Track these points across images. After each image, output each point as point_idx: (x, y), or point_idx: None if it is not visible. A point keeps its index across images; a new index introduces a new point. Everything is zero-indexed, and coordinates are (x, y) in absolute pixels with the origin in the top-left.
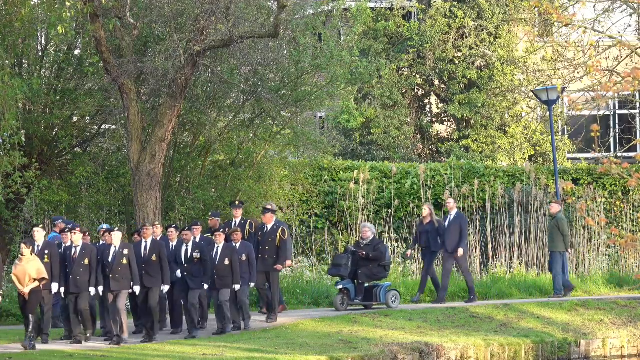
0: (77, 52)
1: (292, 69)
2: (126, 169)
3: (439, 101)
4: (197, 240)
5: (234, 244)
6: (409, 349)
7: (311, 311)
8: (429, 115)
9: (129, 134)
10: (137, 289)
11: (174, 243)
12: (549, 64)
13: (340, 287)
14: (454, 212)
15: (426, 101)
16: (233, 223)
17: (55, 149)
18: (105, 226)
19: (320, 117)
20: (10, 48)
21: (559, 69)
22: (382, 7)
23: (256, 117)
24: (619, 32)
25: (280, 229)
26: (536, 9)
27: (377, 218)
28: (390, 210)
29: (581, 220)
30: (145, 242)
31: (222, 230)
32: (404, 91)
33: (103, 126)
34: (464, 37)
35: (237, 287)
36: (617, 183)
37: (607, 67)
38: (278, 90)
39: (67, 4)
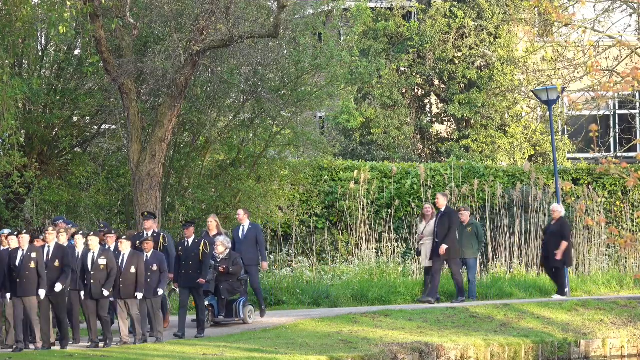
0: (77, 52)
1: (292, 69)
2: (126, 169)
3: (439, 101)
4: (111, 248)
5: (144, 254)
6: (409, 349)
7: (311, 311)
8: (429, 115)
9: (129, 134)
10: (42, 293)
11: (80, 250)
12: (549, 64)
13: (206, 303)
14: (246, 224)
15: (426, 101)
16: (144, 235)
17: (55, 149)
18: (6, 231)
19: (320, 117)
20: (10, 48)
21: (559, 69)
22: (382, 7)
23: (256, 117)
24: (619, 32)
25: (202, 242)
26: (536, 9)
27: (377, 218)
28: (390, 210)
29: (581, 220)
30: (48, 246)
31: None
32: (404, 91)
33: (103, 126)
34: (464, 37)
35: (139, 295)
36: (617, 183)
37: (607, 67)
38: (278, 90)
39: (68, 3)
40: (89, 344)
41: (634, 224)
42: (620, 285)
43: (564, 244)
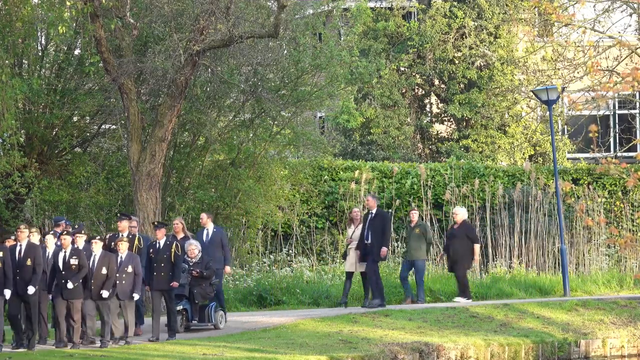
0: (77, 52)
1: (292, 69)
2: (126, 169)
3: (439, 101)
4: (81, 247)
5: (118, 255)
6: (409, 349)
7: (311, 311)
8: (429, 115)
9: (129, 134)
10: (7, 293)
11: (50, 250)
12: (549, 64)
13: (180, 307)
14: (210, 228)
15: (426, 101)
16: (119, 236)
17: (55, 149)
18: None
19: (320, 117)
20: (10, 48)
21: (559, 69)
22: (382, 7)
23: (256, 117)
24: (619, 32)
25: (174, 244)
26: (536, 9)
27: None
28: (390, 210)
29: (581, 220)
30: (20, 245)
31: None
32: (404, 91)
33: (103, 126)
34: (464, 37)
35: (105, 293)
36: (617, 183)
37: (607, 67)
38: (278, 90)
39: (68, 3)
40: (56, 344)
41: (634, 224)
42: (620, 285)
43: (477, 247)
